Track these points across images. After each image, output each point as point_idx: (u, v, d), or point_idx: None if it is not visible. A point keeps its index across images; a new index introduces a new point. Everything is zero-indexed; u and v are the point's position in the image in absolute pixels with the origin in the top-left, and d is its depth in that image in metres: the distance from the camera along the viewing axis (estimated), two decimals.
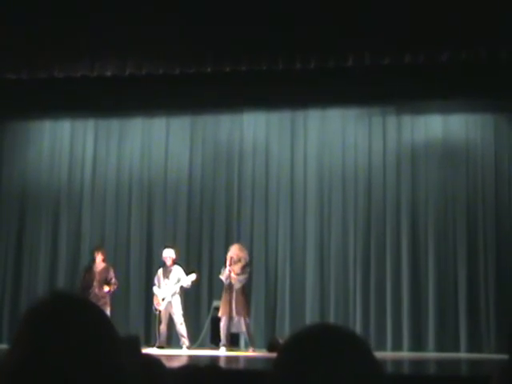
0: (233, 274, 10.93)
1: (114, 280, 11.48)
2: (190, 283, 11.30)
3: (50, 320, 1.15)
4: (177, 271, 11.35)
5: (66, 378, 1.10)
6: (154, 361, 2.46)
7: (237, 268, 10.97)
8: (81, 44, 10.32)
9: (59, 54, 10.57)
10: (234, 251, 11.11)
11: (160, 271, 11.44)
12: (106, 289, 11.33)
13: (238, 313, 10.88)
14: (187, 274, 11.34)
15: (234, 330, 11.02)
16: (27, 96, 12.08)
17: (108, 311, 10.84)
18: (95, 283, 11.35)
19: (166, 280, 11.31)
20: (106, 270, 11.50)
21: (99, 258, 11.55)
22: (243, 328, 10.95)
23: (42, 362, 1.11)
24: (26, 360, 1.12)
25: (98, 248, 11.71)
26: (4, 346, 11.54)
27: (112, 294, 11.69)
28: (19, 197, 13.02)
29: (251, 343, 10.98)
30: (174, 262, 11.43)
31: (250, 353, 10.71)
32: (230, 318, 10.89)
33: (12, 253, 12.86)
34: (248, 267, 11.13)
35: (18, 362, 1.12)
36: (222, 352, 10.70)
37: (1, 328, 12.54)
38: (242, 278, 11.00)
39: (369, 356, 1.20)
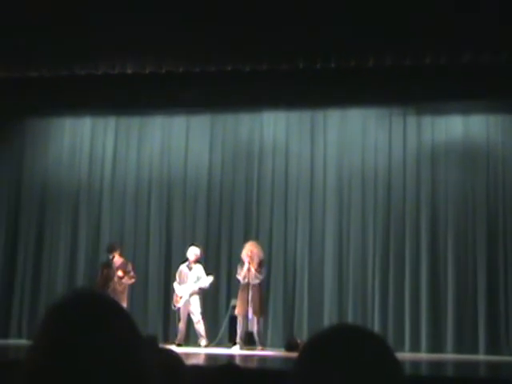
0: (252, 270, 10.92)
1: (132, 273, 11.57)
2: (207, 285, 11.34)
3: (71, 318, 1.15)
4: (197, 270, 11.38)
5: (88, 376, 1.10)
6: (174, 356, 2.46)
7: (255, 265, 10.98)
8: (102, 42, 10.36)
9: (80, 51, 10.61)
10: (250, 249, 11.10)
11: (182, 267, 11.47)
12: (120, 273, 11.38)
13: (254, 312, 10.88)
14: (207, 274, 11.37)
15: (250, 328, 11.02)
16: (48, 93, 12.14)
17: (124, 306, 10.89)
18: (115, 278, 11.44)
19: (187, 278, 11.34)
20: (124, 264, 11.59)
21: (116, 255, 11.63)
22: (254, 327, 10.93)
23: (64, 360, 1.11)
24: (47, 358, 1.12)
25: (112, 248, 11.73)
26: (24, 342, 11.63)
27: (130, 289, 11.76)
28: (40, 193, 13.10)
29: (260, 342, 10.95)
30: (197, 261, 11.46)
31: (259, 351, 10.69)
32: (247, 317, 10.89)
33: (32, 249, 12.94)
34: (264, 264, 11.14)
35: (40, 361, 1.13)
36: (237, 350, 10.71)
37: (20, 323, 12.63)
38: (259, 275, 11.00)
39: (389, 356, 1.20)
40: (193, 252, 11.45)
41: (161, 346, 2.99)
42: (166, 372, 2.24)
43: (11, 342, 12.07)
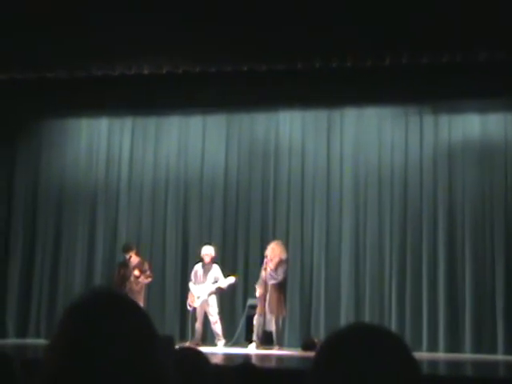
0: (268, 269, 10.89)
1: (148, 272, 11.60)
2: (226, 286, 11.31)
3: (89, 318, 1.15)
4: (215, 270, 11.36)
5: (105, 376, 1.10)
6: (200, 355, 2.46)
7: (272, 265, 10.94)
8: (118, 42, 10.39)
9: (96, 52, 10.65)
10: (272, 247, 11.08)
11: (197, 267, 11.46)
12: (137, 273, 11.42)
13: (270, 311, 10.85)
14: (225, 274, 11.35)
15: (267, 328, 11.00)
16: (65, 94, 12.19)
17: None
18: (131, 278, 11.48)
19: (204, 278, 11.33)
20: (141, 263, 11.63)
21: (133, 254, 11.68)
22: (272, 326, 10.90)
23: (82, 360, 1.11)
24: (65, 358, 1.12)
25: (128, 248, 11.80)
26: (42, 341, 11.69)
27: (147, 289, 11.80)
28: (57, 194, 13.17)
29: (277, 341, 10.92)
30: (213, 261, 11.44)
31: (276, 350, 10.68)
32: (264, 316, 10.88)
33: (49, 250, 13.00)
34: (283, 265, 11.05)
35: (58, 361, 1.13)
36: (253, 349, 10.70)
37: (38, 323, 12.69)
38: (275, 274, 10.93)
39: (407, 355, 1.20)
40: (207, 251, 11.43)
41: (186, 345, 3.01)
42: (192, 370, 2.25)
43: (29, 341, 12.15)
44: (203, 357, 2.46)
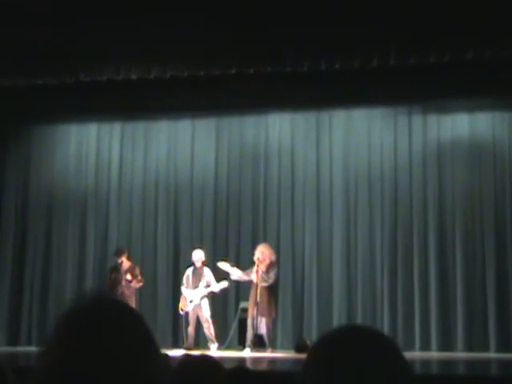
0: (260, 272, 10.88)
1: (139, 277, 11.58)
2: (218, 290, 11.31)
3: (83, 321, 1.15)
4: (207, 274, 11.35)
5: (100, 379, 1.10)
6: (212, 361, 2.45)
7: (263, 267, 10.94)
8: (106, 48, 10.38)
9: (85, 58, 10.63)
10: (262, 250, 11.07)
11: (189, 271, 11.45)
12: (129, 277, 11.39)
13: (261, 313, 10.82)
14: (216, 278, 11.33)
15: (259, 331, 10.97)
16: (54, 100, 12.17)
17: None
18: (123, 282, 11.45)
19: (196, 282, 11.32)
20: (132, 267, 11.61)
21: (124, 259, 11.67)
22: (263, 329, 10.87)
23: (75, 366, 1.11)
24: (59, 365, 1.12)
25: (121, 252, 11.78)
26: (33, 349, 11.64)
27: (139, 294, 11.77)
28: (47, 200, 13.13)
29: (269, 343, 10.91)
30: (204, 264, 11.45)
31: (269, 353, 10.66)
32: (256, 319, 10.86)
33: (40, 255, 12.96)
34: (274, 267, 11.06)
35: (51, 367, 1.12)
36: (247, 353, 10.69)
37: (30, 330, 12.64)
38: (266, 277, 10.93)
39: (398, 356, 1.20)
40: (197, 256, 11.44)
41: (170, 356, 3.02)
42: (205, 377, 2.25)
43: (21, 349, 12.10)
44: (217, 363, 2.45)
